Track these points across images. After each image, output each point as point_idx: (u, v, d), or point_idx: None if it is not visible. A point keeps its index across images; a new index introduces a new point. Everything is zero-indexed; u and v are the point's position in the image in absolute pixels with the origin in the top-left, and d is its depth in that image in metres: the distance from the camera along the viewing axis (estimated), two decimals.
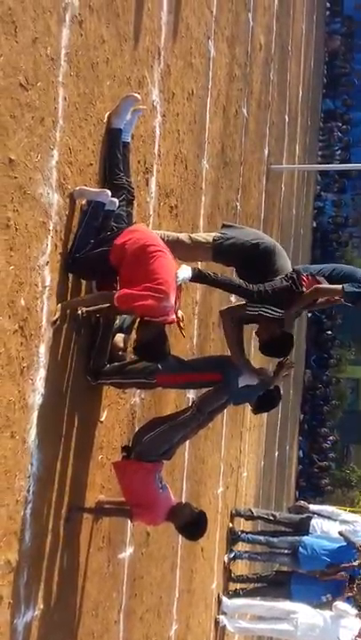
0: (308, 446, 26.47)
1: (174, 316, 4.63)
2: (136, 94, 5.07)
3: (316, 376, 27.03)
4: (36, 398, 4.17)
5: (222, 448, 9.64)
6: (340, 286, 5.22)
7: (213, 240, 5.41)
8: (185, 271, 4.93)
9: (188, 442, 6.22)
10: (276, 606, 9.51)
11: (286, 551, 9.89)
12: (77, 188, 4.49)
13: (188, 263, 5.32)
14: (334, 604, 9.05)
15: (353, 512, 11.53)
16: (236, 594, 10.17)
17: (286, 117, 14.63)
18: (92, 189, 4.62)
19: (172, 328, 5.52)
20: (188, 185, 7.13)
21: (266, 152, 12.03)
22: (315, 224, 26.56)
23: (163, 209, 6.36)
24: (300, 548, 9.63)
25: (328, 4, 28.84)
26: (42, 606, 4.48)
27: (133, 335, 5.22)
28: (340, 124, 28.97)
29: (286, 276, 5.21)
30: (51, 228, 4.20)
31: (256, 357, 6.35)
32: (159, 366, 5.01)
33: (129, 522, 5.75)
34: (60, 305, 4.36)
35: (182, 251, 5.33)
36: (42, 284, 4.14)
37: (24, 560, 4.17)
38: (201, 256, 5.66)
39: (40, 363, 4.19)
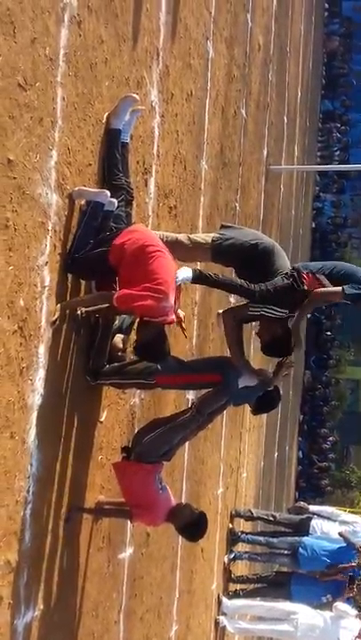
0: (308, 447, 26.48)
1: (173, 317, 4.63)
2: (135, 95, 5.07)
3: (316, 377, 27.05)
4: (36, 399, 4.17)
5: (222, 449, 9.63)
6: (340, 288, 5.20)
7: (212, 241, 5.40)
8: (185, 272, 4.93)
9: (187, 443, 6.22)
10: (276, 607, 9.51)
11: (286, 552, 9.90)
12: (76, 189, 4.49)
13: (188, 264, 5.32)
14: (334, 604, 9.06)
15: (353, 513, 11.52)
16: (236, 594, 10.17)
17: (285, 118, 14.64)
18: (90, 190, 4.62)
19: (172, 328, 5.52)
20: (187, 185, 7.14)
21: (265, 153, 12.03)
22: (314, 225, 26.58)
23: (162, 209, 6.36)
24: (299, 549, 9.63)
25: (327, 5, 28.87)
26: (42, 607, 4.47)
27: (133, 335, 5.22)
28: (339, 125, 29.00)
29: (287, 274, 5.20)
30: (50, 228, 4.20)
31: (256, 358, 6.36)
32: (158, 367, 5.01)
33: (129, 522, 5.75)
34: (59, 305, 4.36)
35: (181, 251, 5.33)
36: (41, 284, 4.13)
37: (24, 560, 4.17)
38: (200, 257, 5.66)
39: (39, 363, 4.18)
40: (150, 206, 6.05)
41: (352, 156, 28.78)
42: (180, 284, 4.78)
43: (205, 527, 5.16)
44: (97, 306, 4.75)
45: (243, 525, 11.10)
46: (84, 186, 4.59)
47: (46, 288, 4.19)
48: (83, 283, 4.76)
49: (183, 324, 5.39)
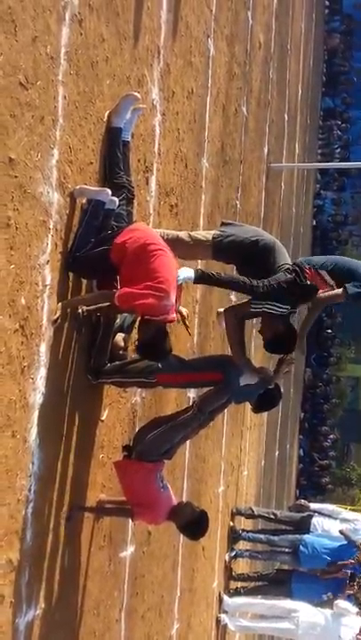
0: (309, 445, 26.51)
1: (175, 315, 4.63)
2: (136, 93, 5.06)
3: (317, 374, 27.07)
4: (37, 397, 4.17)
5: (223, 447, 9.64)
6: (342, 290, 5.18)
7: (213, 238, 5.39)
8: (186, 272, 4.92)
9: (188, 441, 6.22)
10: (277, 605, 9.52)
11: (287, 550, 9.90)
12: (78, 187, 4.49)
13: (189, 262, 5.31)
14: (335, 602, 9.06)
15: (354, 510, 11.51)
16: (237, 592, 10.18)
17: (286, 116, 14.63)
18: (92, 188, 4.61)
19: (173, 327, 5.52)
20: (188, 183, 7.13)
21: (265, 150, 12.03)
22: (314, 222, 26.58)
23: (163, 208, 6.36)
24: (300, 547, 9.64)
25: (327, 3, 28.86)
26: (43, 605, 4.48)
27: (134, 334, 5.22)
28: (340, 123, 29.00)
29: (288, 269, 5.17)
30: (51, 226, 4.20)
31: (256, 356, 6.36)
32: (160, 366, 5.00)
33: (130, 521, 5.75)
34: (60, 304, 4.36)
35: (182, 249, 5.32)
36: (42, 282, 4.13)
37: (25, 559, 4.17)
38: (201, 254, 5.64)
39: (41, 362, 4.19)
40: (151, 204, 6.05)
41: (353, 154, 28.77)
42: (181, 283, 4.77)
43: (207, 525, 5.16)
44: (98, 304, 4.75)
45: (244, 523, 11.10)
46: (86, 184, 4.59)
47: (47, 287, 4.19)
48: (84, 281, 4.76)
49: (187, 322, 5.39)
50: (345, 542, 9.37)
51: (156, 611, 6.90)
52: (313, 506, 10.90)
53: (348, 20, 31.72)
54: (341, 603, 9.09)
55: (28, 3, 3.76)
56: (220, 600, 9.80)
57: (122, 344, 5.18)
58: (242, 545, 10.82)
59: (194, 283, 5.13)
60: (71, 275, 4.54)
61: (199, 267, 6.28)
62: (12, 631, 4.09)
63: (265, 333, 5.23)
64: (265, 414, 13.16)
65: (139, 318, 4.71)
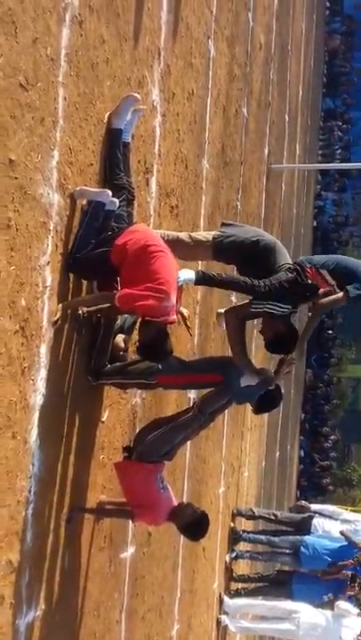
0: (310, 446, 26.51)
1: (175, 317, 4.63)
2: (136, 94, 5.06)
3: (317, 375, 27.06)
4: (38, 398, 4.17)
5: (223, 448, 9.64)
6: (344, 294, 5.17)
7: (213, 238, 5.39)
8: (187, 273, 4.91)
9: (189, 442, 6.22)
10: (278, 606, 9.52)
11: (288, 551, 9.91)
12: (78, 189, 4.49)
13: (189, 263, 5.30)
14: (336, 603, 9.06)
15: (354, 511, 11.52)
16: (237, 593, 10.18)
17: (286, 117, 14.63)
18: (92, 189, 4.62)
19: (174, 328, 5.52)
20: (189, 185, 7.13)
21: (266, 151, 12.03)
22: (315, 223, 26.58)
23: (163, 209, 6.36)
24: (301, 548, 9.64)
25: (328, 4, 28.89)
26: (43, 606, 4.48)
27: (134, 335, 5.22)
28: (341, 123, 29.02)
29: (290, 268, 5.17)
30: (51, 228, 4.20)
31: (257, 357, 6.36)
32: (160, 367, 5.00)
33: (130, 522, 5.75)
34: (60, 305, 4.36)
35: (183, 250, 5.32)
36: (43, 284, 4.14)
37: (26, 560, 4.17)
38: (201, 255, 5.64)
39: (41, 363, 4.19)
40: (152, 206, 6.05)
41: (353, 155, 28.80)
42: (181, 285, 4.77)
43: (207, 526, 5.16)
44: (98, 305, 4.75)
45: (244, 524, 11.10)
46: (86, 186, 4.59)
47: (48, 288, 4.20)
48: (84, 283, 4.76)
49: (188, 322, 5.38)
50: (346, 543, 9.37)
51: (156, 612, 6.90)
52: (314, 507, 10.90)
53: (348, 20, 31.76)
54: (342, 604, 9.10)
55: (29, 4, 3.76)
56: (221, 601, 9.80)
57: (122, 345, 5.18)
58: (242, 546, 10.82)
59: (195, 284, 5.12)
60: (71, 276, 4.54)
61: (200, 268, 6.29)
62: (13, 632, 4.09)
63: (266, 334, 5.22)
64: (266, 415, 13.16)
65: (139, 320, 4.71)
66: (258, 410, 5.73)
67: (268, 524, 10.98)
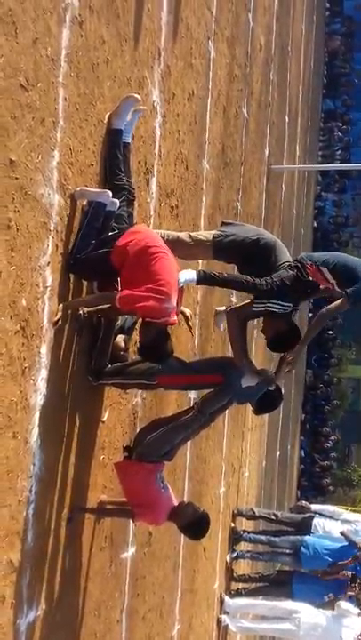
0: (310, 446, 26.50)
1: (176, 318, 4.63)
2: (136, 95, 5.07)
3: (318, 376, 27.06)
4: (38, 399, 4.18)
5: (224, 448, 9.65)
6: (344, 300, 5.16)
7: (213, 238, 5.39)
8: (188, 274, 4.92)
9: (189, 442, 6.22)
10: (279, 606, 9.52)
11: (288, 551, 9.91)
12: (78, 189, 4.50)
13: (190, 263, 5.30)
14: (337, 603, 9.06)
15: (355, 512, 11.52)
16: (238, 593, 10.19)
17: (286, 118, 14.64)
18: (93, 190, 4.62)
19: (174, 329, 5.53)
20: (189, 185, 7.14)
21: (266, 152, 12.04)
22: (315, 224, 26.57)
23: (163, 209, 6.37)
24: (301, 548, 9.64)
25: (328, 5, 28.87)
26: (44, 606, 4.48)
27: (135, 335, 5.22)
28: (341, 124, 29.02)
29: (290, 265, 5.18)
30: (52, 228, 4.21)
31: (257, 357, 6.37)
32: (161, 368, 5.01)
33: (131, 522, 5.75)
34: (61, 305, 4.37)
35: (183, 249, 5.33)
36: (43, 284, 4.14)
37: (26, 560, 4.18)
38: (201, 254, 5.65)
39: (42, 363, 4.19)
40: (152, 206, 6.05)
41: (353, 156, 28.81)
42: (182, 286, 4.78)
43: (208, 525, 5.17)
44: (99, 306, 4.75)
45: (245, 524, 11.11)
46: (86, 186, 4.60)
47: (48, 288, 4.20)
48: (85, 283, 4.77)
49: (190, 323, 5.39)
50: (346, 543, 9.37)
51: (157, 612, 6.91)
52: (314, 507, 10.90)
53: (348, 21, 31.76)
54: (343, 604, 9.09)
55: (29, 4, 3.77)
56: (222, 601, 9.81)
57: (122, 345, 5.19)
58: (243, 546, 10.83)
59: (196, 284, 5.12)
60: (72, 276, 4.55)
61: (200, 267, 6.30)
62: (13, 632, 4.10)
63: (267, 332, 5.23)
64: (266, 415, 13.16)
65: (140, 321, 4.71)
66: (258, 410, 5.73)
67: (268, 524, 10.99)
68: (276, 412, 14.70)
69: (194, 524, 5.10)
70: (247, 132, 10.12)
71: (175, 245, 5.08)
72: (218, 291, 7.76)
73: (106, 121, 4.89)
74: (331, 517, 10.25)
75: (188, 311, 5.37)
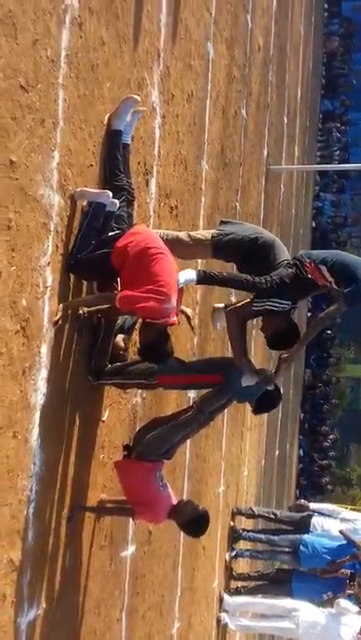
0: (309, 445, 26.54)
1: (175, 318, 4.65)
2: (136, 96, 5.09)
3: (316, 375, 27.10)
4: (38, 398, 4.20)
5: (223, 447, 9.67)
6: (342, 303, 5.18)
7: (212, 237, 5.40)
8: (187, 274, 4.93)
9: (189, 441, 6.24)
10: (278, 604, 9.54)
11: (287, 549, 9.93)
12: (78, 190, 4.52)
13: (189, 262, 5.32)
14: (336, 601, 9.07)
15: (353, 510, 11.53)
16: (237, 592, 10.20)
17: (285, 118, 14.66)
18: (92, 190, 4.64)
19: (174, 329, 5.55)
20: (188, 186, 7.16)
21: (265, 153, 12.05)
22: (314, 224, 26.61)
23: (163, 210, 6.39)
24: (300, 547, 9.66)
25: (326, 6, 28.90)
26: (44, 605, 4.50)
27: (135, 335, 5.24)
28: (339, 125, 29.06)
29: (289, 263, 5.20)
30: (52, 228, 4.23)
31: (257, 356, 6.39)
32: (160, 368, 5.02)
33: (131, 520, 5.78)
34: (61, 305, 4.39)
35: (182, 249, 5.34)
36: (43, 284, 4.16)
37: (27, 559, 4.20)
38: (200, 253, 5.66)
39: (42, 363, 4.21)
40: (151, 207, 6.08)
41: (352, 156, 28.85)
42: (182, 286, 4.80)
43: (207, 523, 5.19)
44: (99, 306, 4.77)
45: (244, 523, 11.13)
46: (86, 187, 4.62)
47: (48, 288, 4.22)
48: (85, 283, 4.79)
49: (192, 322, 5.40)
50: (345, 542, 9.38)
51: (156, 610, 6.93)
52: (313, 506, 10.91)
53: (347, 22, 31.80)
54: (342, 602, 9.10)
55: (29, 6, 3.79)
56: (221, 599, 9.83)
57: (122, 345, 5.20)
58: (242, 544, 10.85)
59: (196, 284, 5.14)
60: (72, 276, 4.57)
61: (199, 267, 6.32)
62: (14, 630, 4.12)
63: (266, 330, 5.25)
64: (265, 415, 13.18)
65: (140, 321, 4.73)
66: (257, 410, 5.74)
67: (267, 522, 11.00)
68: (275, 411, 14.71)
69: (194, 521, 5.12)
70: (246, 132, 10.13)
71: (174, 245, 5.09)
72: (217, 290, 7.77)
73: (105, 122, 4.91)
74: (330, 516, 10.26)
75: (189, 311, 5.39)
